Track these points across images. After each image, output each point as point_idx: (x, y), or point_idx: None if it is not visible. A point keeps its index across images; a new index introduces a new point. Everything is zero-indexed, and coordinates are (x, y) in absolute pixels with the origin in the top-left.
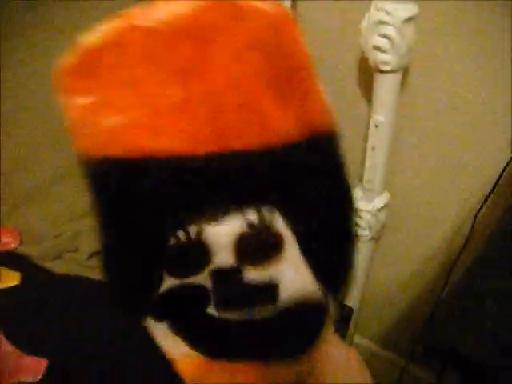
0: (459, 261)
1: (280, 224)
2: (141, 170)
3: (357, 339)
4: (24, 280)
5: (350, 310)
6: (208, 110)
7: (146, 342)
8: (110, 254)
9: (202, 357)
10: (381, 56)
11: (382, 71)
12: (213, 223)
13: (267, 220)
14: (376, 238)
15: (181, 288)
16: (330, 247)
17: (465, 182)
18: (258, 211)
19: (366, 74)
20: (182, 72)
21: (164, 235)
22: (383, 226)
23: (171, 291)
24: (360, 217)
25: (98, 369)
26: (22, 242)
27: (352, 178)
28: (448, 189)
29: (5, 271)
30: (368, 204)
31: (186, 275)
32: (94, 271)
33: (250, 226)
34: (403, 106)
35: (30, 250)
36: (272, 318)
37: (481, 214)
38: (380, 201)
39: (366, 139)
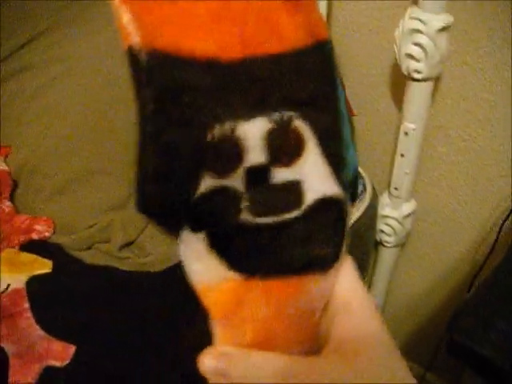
0: (483, 270)
1: (301, 124)
2: (183, 66)
3: None
4: (56, 268)
5: None
6: (234, 21)
7: (173, 331)
8: (148, 153)
9: (236, 278)
10: (413, 64)
11: (414, 79)
12: (244, 121)
13: (290, 120)
14: (401, 245)
15: (216, 191)
16: (338, 145)
17: (492, 191)
18: (282, 113)
19: (398, 81)
20: None
21: (202, 130)
22: (408, 233)
23: (207, 195)
24: (386, 223)
25: (124, 357)
26: (55, 232)
27: (380, 185)
28: (475, 198)
29: (38, 259)
30: (394, 211)
31: (223, 171)
32: (124, 262)
33: (276, 123)
34: (433, 115)
35: (63, 240)
36: (299, 220)
37: (507, 223)
38: (407, 208)
39: (395, 146)
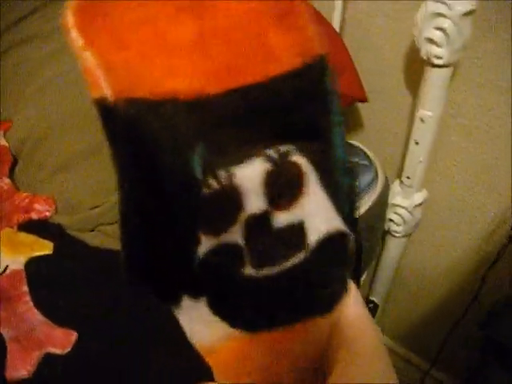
0: (495, 266)
1: (299, 158)
2: (165, 111)
3: None
4: (57, 250)
5: (375, 305)
6: (219, 47)
7: (175, 320)
8: (137, 218)
9: (241, 336)
10: (434, 49)
11: (433, 65)
12: (239, 165)
13: (287, 155)
14: (408, 235)
15: (215, 252)
16: (337, 175)
17: (505, 183)
18: (278, 149)
19: (414, 66)
20: (191, 9)
21: (194, 187)
22: (417, 223)
23: (206, 258)
24: (396, 212)
25: (124, 346)
26: (57, 211)
27: (390, 173)
28: (487, 190)
29: (38, 239)
30: (405, 200)
31: (221, 228)
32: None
33: (274, 162)
34: (449, 102)
35: (65, 220)
36: (303, 264)
37: None
38: (418, 197)
39: (407, 133)
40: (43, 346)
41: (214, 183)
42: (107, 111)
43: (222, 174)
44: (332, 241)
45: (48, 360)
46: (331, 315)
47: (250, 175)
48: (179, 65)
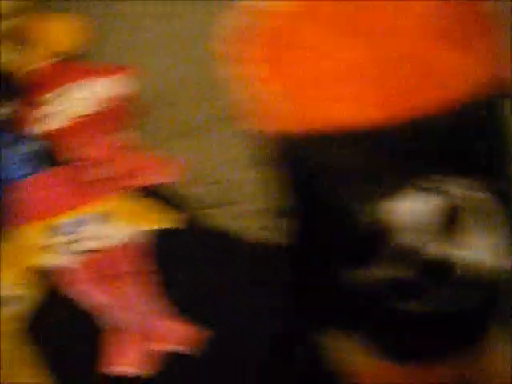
0: None
1: (459, 193)
2: (333, 144)
3: None
4: (179, 223)
5: None
6: (393, 75)
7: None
8: (299, 244)
9: (386, 366)
10: None
11: None
12: (394, 198)
13: (446, 191)
14: None
15: (364, 284)
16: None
17: None
18: (437, 184)
19: None
20: (360, 33)
21: (351, 213)
22: None
23: (354, 289)
24: None
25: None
26: (179, 180)
27: None
28: None
29: (162, 209)
30: None
31: (370, 261)
32: (254, 231)
33: (429, 196)
34: None
35: (192, 192)
36: (450, 300)
37: None
38: None
39: None
40: (160, 341)
41: (365, 216)
42: (288, 144)
43: (375, 206)
44: (482, 278)
45: (172, 358)
46: (476, 359)
47: (403, 209)
48: (351, 95)
